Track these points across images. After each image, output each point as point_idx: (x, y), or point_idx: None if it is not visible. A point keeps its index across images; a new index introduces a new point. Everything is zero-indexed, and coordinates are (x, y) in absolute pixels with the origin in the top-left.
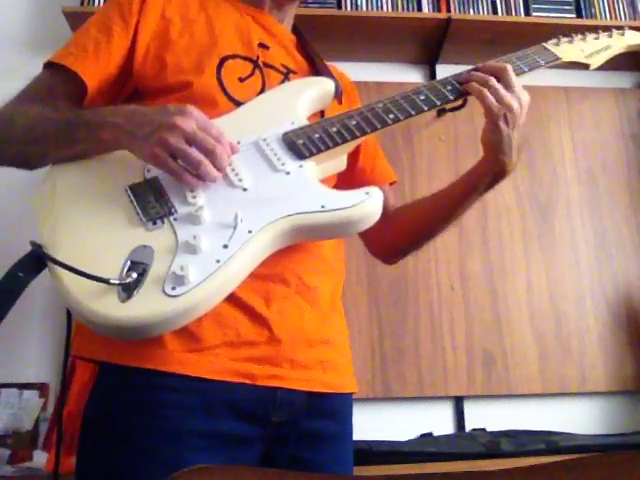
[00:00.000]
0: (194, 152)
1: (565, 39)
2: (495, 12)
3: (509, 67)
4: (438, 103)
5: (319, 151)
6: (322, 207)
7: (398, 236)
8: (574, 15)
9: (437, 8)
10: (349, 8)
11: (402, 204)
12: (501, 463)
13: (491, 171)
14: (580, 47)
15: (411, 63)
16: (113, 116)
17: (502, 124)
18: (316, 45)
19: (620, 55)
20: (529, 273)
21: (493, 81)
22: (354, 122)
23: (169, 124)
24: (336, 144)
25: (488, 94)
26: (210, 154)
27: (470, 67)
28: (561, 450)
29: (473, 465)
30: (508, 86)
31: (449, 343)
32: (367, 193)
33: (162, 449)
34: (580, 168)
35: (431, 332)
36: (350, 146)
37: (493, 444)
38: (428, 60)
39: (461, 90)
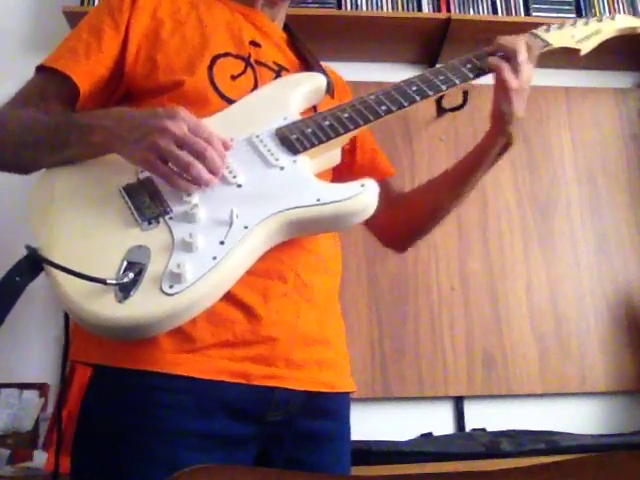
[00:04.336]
0: (185, 155)
1: (555, 26)
2: (495, 12)
3: (523, 44)
4: (430, 93)
5: (312, 145)
6: (318, 200)
7: (410, 220)
8: (574, 15)
9: (437, 8)
10: (349, 8)
11: (409, 189)
12: (501, 463)
13: (500, 142)
14: (571, 33)
15: (411, 63)
16: (103, 119)
17: (515, 95)
18: (316, 45)
19: (620, 55)
20: (529, 273)
21: (519, 55)
22: (346, 115)
23: (159, 127)
24: (329, 138)
25: (506, 67)
26: (202, 157)
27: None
28: (561, 450)
29: (473, 465)
30: (526, 61)
31: (449, 343)
32: (362, 185)
33: (157, 449)
34: (580, 168)
35: (431, 332)
36: (344, 139)
37: (493, 444)
38: (428, 60)
39: (455, 82)
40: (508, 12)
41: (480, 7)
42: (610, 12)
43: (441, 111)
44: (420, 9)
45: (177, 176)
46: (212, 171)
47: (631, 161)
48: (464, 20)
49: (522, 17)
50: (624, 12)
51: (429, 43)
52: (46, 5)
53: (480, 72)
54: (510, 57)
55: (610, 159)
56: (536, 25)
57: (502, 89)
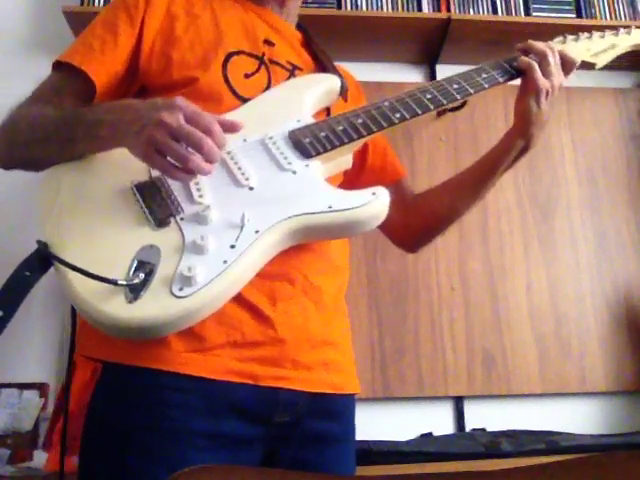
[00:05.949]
0: (180, 148)
1: (571, 37)
2: (495, 12)
3: (555, 50)
4: (445, 102)
5: (325, 150)
6: (329, 207)
7: (424, 221)
8: (574, 15)
9: (437, 8)
10: (349, 8)
11: (423, 190)
12: (501, 463)
13: (519, 144)
14: (587, 46)
15: (411, 63)
16: (109, 113)
17: (543, 98)
18: None
19: (620, 55)
20: (529, 273)
21: (549, 58)
22: (360, 120)
23: (155, 120)
24: (342, 143)
25: (537, 68)
26: (198, 148)
27: (470, 67)
28: (561, 450)
29: (473, 465)
30: (556, 64)
31: (449, 343)
32: (374, 194)
33: (165, 449)
34: (580, 168)
35: (431, 332)
36: (357, 145)
37: (493, 444)
38: (428, 60)
39: (470, 92)
40: (508, 12)
41: (480, 7)
42: (610, 12)
43: (441, 111)
44: (420, 9)
45: (174, 169)
46: (210, 160)
47: (631, 161)
48: (464, 20)
49: (522, 17)
50: (624, 12)
51: (429, 43)
52: (46, 5)
53: (511, 75)
54: (540, 59)
55: (610, 159)
56: (536, 25)
57: (532, 88)
